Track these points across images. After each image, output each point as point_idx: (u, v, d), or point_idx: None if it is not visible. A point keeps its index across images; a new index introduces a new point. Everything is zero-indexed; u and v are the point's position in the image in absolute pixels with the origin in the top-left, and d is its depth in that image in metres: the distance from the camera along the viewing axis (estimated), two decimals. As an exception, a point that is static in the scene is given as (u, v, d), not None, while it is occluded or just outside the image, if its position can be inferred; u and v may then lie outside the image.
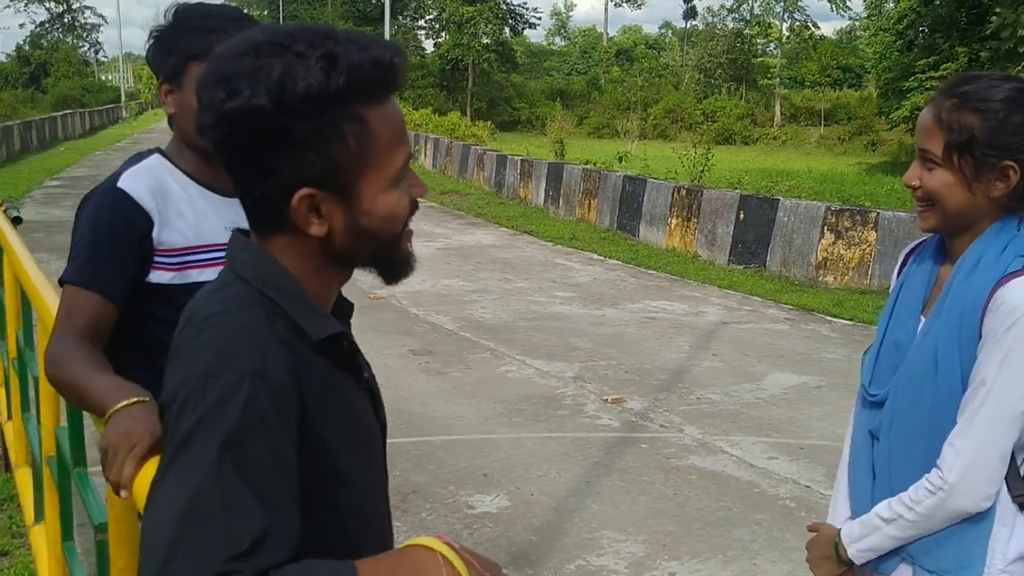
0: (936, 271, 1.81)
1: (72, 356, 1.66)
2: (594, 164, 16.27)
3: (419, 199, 1.22)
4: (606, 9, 72.26)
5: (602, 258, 11.97)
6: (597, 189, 14.39)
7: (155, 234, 1.83)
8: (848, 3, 44.60)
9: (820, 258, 10.20)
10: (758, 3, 46.02)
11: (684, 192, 12.32)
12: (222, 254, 1.80)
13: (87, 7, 79.88)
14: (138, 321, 1.83)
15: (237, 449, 1.00)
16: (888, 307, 1.89)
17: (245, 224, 1.88)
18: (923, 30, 26.80)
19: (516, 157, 18.25)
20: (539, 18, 62.48)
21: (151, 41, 1.92)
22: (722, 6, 52.11)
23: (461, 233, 13.96)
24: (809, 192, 14.35)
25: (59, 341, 1.71)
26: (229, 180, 1.89)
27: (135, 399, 1.45)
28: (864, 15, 40.35)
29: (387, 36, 28.05)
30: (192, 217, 1.89)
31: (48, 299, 2.54)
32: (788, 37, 47.22)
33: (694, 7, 68.71)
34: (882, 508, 1.76)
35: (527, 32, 62.63)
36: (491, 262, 11.35)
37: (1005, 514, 1.70)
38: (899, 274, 1.94)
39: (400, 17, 56.27)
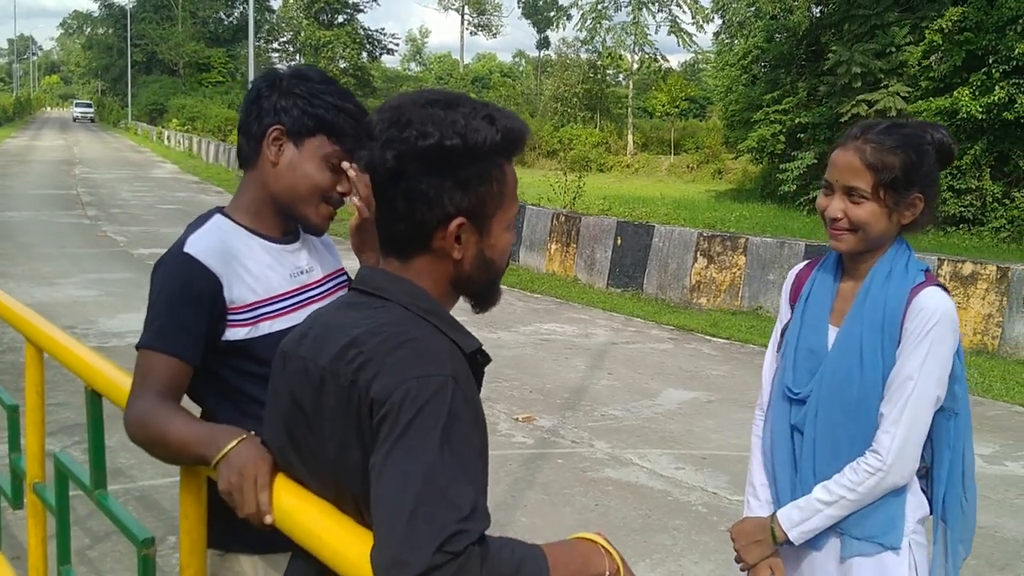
0: (837, 286, 2.13)
1: (156, 414, 1.70)
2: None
3: None
4: (462, 37, 73.28)
5: (486, 282, 12.21)
6: (476, 215, 14.67)
7: (226, 293, 1.87)
8: (694, 38, 47.00)
9: (694, 281, 10.81)
10: (610, 36, 47.78)
11: (563, 218, 12.79)
12: (291, 302, 2.00)
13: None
14: (221, 375, 1.88)
15: (450, 436, 1.21)
16: (796, 319, 2.17)
17: (307, 268, 2.04)
18: (765, 66, 28.55)
19: (390, 183, 18.23)
20: (397, 44, 62.66)
21: (268, 84, 1.95)
22: (576, 38, 53.78)
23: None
24: (666, 218, 15.10)
25: (139, 402, 1.75)
26: (287, 230, 2.03)
27: (235, 440, 1.54)
28: (712, 48, 42.53)
29: (250, 59, 27.60)
30: (258, 271, 1.93)
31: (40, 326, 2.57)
32: (638, 69, 49.17)
33: (547, 38, 70.66)
34: (820, 493, 2.01)
35: (384, 58, 62.76)
36: (377, 287, 11.40)
37: (913, 484, 2.03)
38: (792, 291, 2.25)
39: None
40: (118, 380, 2.08)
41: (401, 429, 1.21)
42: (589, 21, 47.41)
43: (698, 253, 10.78)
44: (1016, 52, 18.12)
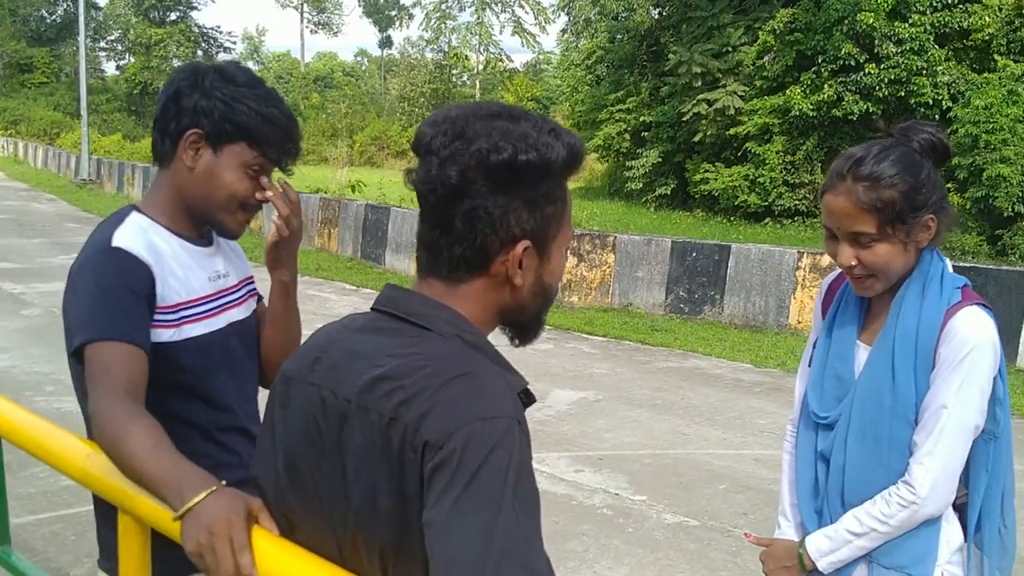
0: (867, 302, 1.99)
1: (131, 426, 1.52)
2: (325, 192, 16.17)
3: None
4: (302, 35, 71.71)
5: (355, 287, 11.94)
6: (337, 218, 14.34)
7: (158, 289, 1.77)
8: (537, 39, 47.71)
9: (565, 280, 10.90)
10: (455, 36, 47.84)
11: (428, 220, 12.61)
12: (211, 307, 1.90)
13: None
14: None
15: (518, 488, 1.09)
16: (823, 340, 2.05)
17: (223, 272, 1.91)
18: (609, 66, 29.21)
19: (241, 187, 17.63)
20: (234, 42, 60.55)
21: (191, 83, 1.81)
22: (420, 37, 53.57)
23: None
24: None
25: (111, 404, 1.57)
26: (202, 232, 1.90)
27: (203, 492, 1.34)
28: (555, 49, 43.28)
29: (82, 60, 26.03)
30: (181, 272, 1.84)
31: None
32: (483, 69, 49.48)
33: (389, 37, 70.12)
34: (850, 523, 1.90)
35: (220, 56, 60.54)
36: (240, 297, 10.95)
37: (948, 513, 1.92)
38: (824, 304, 2.11)
39: (76, 38, 52.34)
40: (21, 421, 1.84)
41: (467, 479, 1.07)
42: (434, 21, 47.35)
43: (568, 251, 10.85)
44: (843, 52, 19.19)
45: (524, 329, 1.34)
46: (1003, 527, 1.95)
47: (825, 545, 1.94)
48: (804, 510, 2.04)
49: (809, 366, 2.11)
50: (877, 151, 1.85)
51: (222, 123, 1.80)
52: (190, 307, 1.84)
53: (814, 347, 2.11)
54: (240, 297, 1.99)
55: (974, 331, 1.82)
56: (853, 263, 1.86)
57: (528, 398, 1.27)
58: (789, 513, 2.13)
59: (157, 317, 1.76)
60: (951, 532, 1.94)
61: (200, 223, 1.91)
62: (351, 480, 1.19)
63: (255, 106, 1.81)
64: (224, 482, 1.39)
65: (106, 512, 1.86)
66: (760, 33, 21.90)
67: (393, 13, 67.39)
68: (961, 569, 1.96)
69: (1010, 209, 16.39)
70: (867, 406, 1.91)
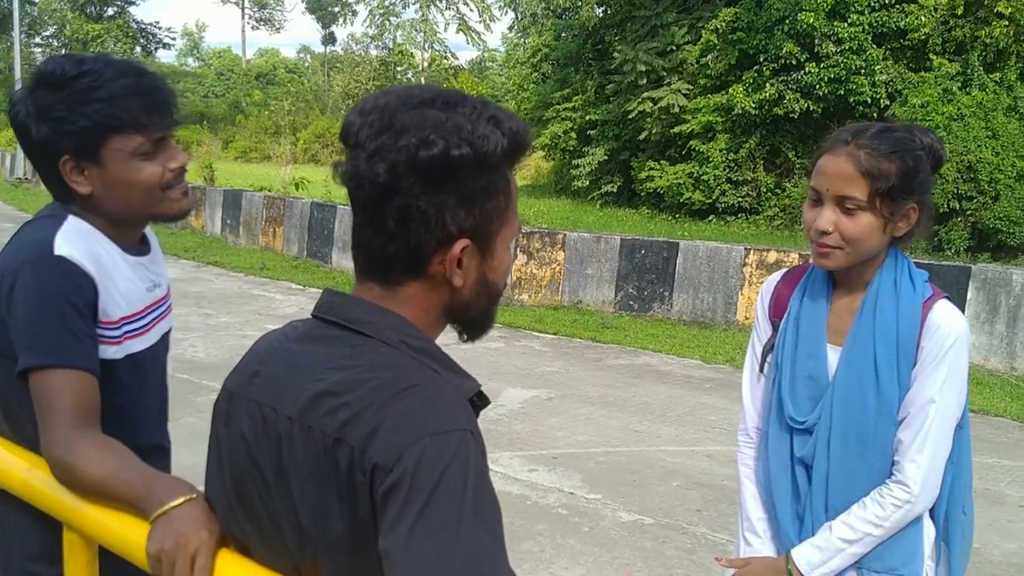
0: (830, 301, 1.94)
1: (89, 455, 1.45)
2: (269, 190, 15.91)
3: None
4: (243, 31, 70.69)
5: (301, 287, 11.76)
6: (283, 216, 14.11)
7: (101, 303, 1.66)
8: (482, 36, 47.71)
9: (515, 277, 10.86)
10: (400, 33, 47.54)
11: (376, 219, 12.48)
12: (147, 321, 1.83)
13: None
14: None
15: (478, 505, 1.04)
16: (787, 341, 1.97)
17: (157, 281, 1.84)
18: (554, 64, 29.25)
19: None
20: (173, 38, 59.51)
21: (27, 112, 1.67)
22: (365, 34, 53.17)
23: (134, 268, 12.98)
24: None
25: (53, 438, 1.50)
26: (139, 240, 1.83)
27: (181, 498, 1.31)
28: (499, 47, 43.29)
29: (16, 56, 25.38)
30: (123, 285, 1.74)
31: None
32: (428, 66, 49.26)
33: (333, 33, 69.40)
34: (842, 531, 1.85)
35: (160, 52, 59.44)
36: (183, 296, 10.68)
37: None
38: (772, 306, 2.05)
39: (10, 33, 50.99)
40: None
41: (422, 503, 1.01)
42: (377, 17, 47.02)
43: (518, 249, 10.84)
44: (784, 51, 19.42)
45: (472, 325, 1.28)
46: (963, 515, 1.95)
47: (816, 557, 1.88)
48: (783, 518, 1.97)
49: (762, 371, 2.05)
50: (884, 127, 1.86)
51: (79, 136, 1.65)
52: (132, 321, 1.75)
53: (764, 352, 2.05)
54: (166, 309, 1.93)
55: (955, 323, 1.83)
56: (830, 229, 1.83)
57: (482, 400, 1.23)
58: (759, 528, 2.05)
59: (100, 333, 1.66)
60: (929, 528, 1.94)
61: (142, 223, 1.83)
62: (299, 502, 1.13)
63: (96, 95, 1.64)
64: (202, 493, 1.33)
65: (16, 526, 1.74)
66: (703, 32, 22.04)
67: (336, 9, 66.82)
68: (934, 562, 1.95)
69: (945, 205, 16.74)
70: (850, 407, 1.87)
